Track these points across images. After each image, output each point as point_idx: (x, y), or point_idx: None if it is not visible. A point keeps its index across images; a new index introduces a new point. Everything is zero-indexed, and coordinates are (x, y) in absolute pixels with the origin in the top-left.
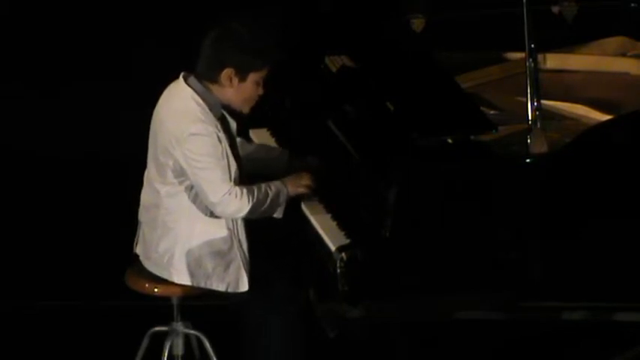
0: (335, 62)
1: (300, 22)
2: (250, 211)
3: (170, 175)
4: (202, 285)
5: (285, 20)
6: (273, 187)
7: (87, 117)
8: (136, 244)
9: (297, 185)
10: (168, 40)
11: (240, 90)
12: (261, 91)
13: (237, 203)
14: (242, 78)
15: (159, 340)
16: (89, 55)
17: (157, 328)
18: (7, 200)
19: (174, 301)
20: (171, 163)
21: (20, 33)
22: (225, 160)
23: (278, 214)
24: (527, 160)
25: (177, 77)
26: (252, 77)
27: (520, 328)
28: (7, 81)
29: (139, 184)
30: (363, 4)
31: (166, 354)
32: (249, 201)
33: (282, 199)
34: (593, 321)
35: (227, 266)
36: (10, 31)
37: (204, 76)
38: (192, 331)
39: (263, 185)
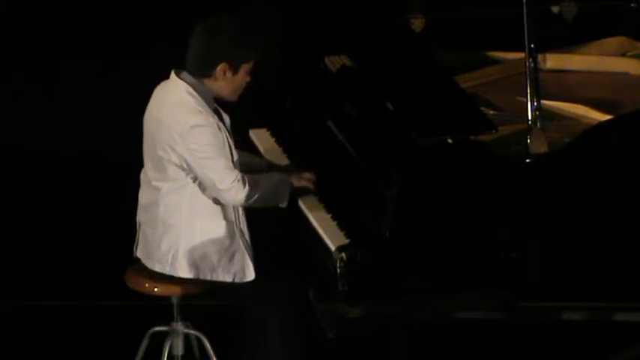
0: (335, 62)
1: (299, 22)
2: (257, 199)
3: (172, 171)
4: (208, 277)
5: (285, 20)
6: (277, 175)
7: (87, 116)
8: (136, 247)
9: (300, 178)
10: (169, 38)
11: (232, 82)
12: (249, 79)
13: (246, 190)
14: (235, 71)
15: (159, 340)
16: (88, 54)
17: (157, 328)
18: (7, 200)
19: (174, 301)
20: (174, 158)
21: (19, 31)
22: (227, 148)
23: (283, 204)
24: (527, 160)
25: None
26: (244, 68)
27: (520, 328)
28: (7, 79)
29: (139, 184)
30: (363, 4)
31: (166, 354)
32: (256, 188)
33: (288, 187)
34: (593, 321)
35: (232, 257)
36: (10, 28)
37: (197, 71)
38: (192, 331)
39: (267, 174)
